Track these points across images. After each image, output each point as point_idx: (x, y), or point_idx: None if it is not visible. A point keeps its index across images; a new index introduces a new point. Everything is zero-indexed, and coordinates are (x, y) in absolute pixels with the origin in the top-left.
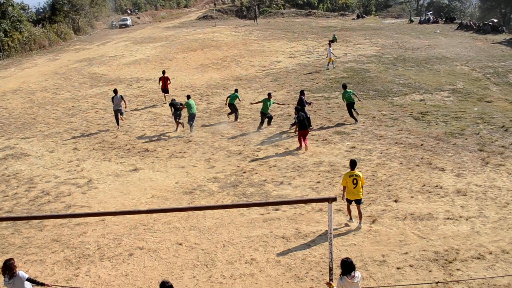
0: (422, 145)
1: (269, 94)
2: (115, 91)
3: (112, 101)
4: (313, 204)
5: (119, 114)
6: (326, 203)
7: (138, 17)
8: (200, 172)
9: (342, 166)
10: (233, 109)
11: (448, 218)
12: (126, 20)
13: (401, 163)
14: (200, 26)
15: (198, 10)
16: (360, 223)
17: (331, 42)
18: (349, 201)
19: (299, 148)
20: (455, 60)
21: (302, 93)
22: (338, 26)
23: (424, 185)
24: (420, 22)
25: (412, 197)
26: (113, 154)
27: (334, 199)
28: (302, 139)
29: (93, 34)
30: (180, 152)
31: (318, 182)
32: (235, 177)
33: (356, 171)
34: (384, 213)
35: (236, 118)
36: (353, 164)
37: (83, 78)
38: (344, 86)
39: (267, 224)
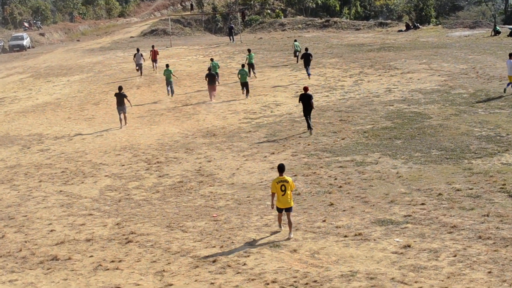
0: None
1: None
2: (138, 49)
3: (134, 57)
4: None
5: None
6: None
7: (42, 34)
8: None
9: (389, 279)
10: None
11: None
12: (22, 38)
13: (489, 272)
14: (146, 46)
15: (142, 20)
16: (290, 233)
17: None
18: (279, 210)
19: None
20: None
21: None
22: (375, 42)
23: None
24: None
25: None
26: None
27: None
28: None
29: None
30: (112, 261)
31: None
32: None
33: (285, 177)
34: None
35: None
36: (281, 168)
37: None
38: (249, 50)
39: None
